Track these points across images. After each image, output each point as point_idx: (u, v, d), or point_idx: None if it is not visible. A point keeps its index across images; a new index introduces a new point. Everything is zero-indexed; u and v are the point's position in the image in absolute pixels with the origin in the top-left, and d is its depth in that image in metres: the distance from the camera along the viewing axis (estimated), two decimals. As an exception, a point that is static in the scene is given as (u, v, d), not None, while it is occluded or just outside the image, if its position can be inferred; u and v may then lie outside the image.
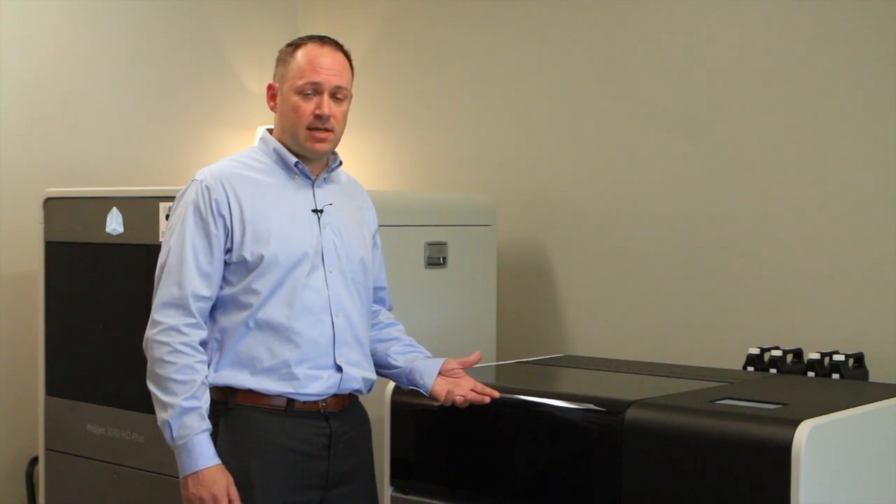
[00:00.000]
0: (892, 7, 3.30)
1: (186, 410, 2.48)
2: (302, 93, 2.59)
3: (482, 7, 4.27)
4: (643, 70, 3.82)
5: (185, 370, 2.50)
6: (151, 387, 2.53)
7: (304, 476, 2.58)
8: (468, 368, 2.76)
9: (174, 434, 2.49)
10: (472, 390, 2.67)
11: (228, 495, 2.49)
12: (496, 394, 2.68)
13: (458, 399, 2.65)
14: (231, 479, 2.51)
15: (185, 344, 2.51)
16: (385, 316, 2.87)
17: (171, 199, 2.68)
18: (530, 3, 4.13)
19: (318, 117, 2.58)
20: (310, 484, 2.59)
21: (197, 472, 2.49)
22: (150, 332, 2.53)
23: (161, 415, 2.51)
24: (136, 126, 4.37)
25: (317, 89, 2.59)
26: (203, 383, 2.52)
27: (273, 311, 2.55)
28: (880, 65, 3.32)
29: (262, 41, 4.64)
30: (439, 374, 2.70)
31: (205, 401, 2.52)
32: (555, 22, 4.05)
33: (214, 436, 2.57)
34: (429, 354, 2.79)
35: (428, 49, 4.46)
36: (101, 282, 3.61)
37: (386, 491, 2.92)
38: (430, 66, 4.44)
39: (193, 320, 2.53)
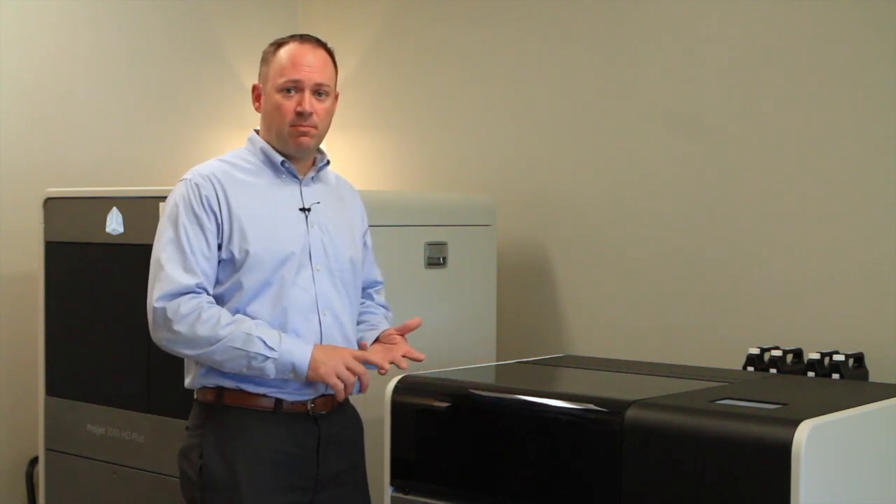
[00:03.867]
0: (892, 7, 3.30)
1: (255, 330, 2.48)
2: (283, 91, 2.60)
3: (482, 7, 4.27)
4: (643, 70, 3.82)
5: (225, 315, 2.50)
6: (216, 357, 2.48)
7: (293, 477, 2.57)
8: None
9: (273, 355, 2.47)
10: (403, 356, 2.64)
11: (348, 367, 2.52)
12: (421, 356, 2.65)
13: (384, 367, 2.62)
14: (340, 348, 2.57)
15: (210, 302, 2.52)
16: (369, 304, 2.86)
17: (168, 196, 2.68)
18: (530, 4, 4.12)
19: (299, 114, 2.58)
20: (298, 485, 2.58)
21: (308, 362, 2.50)
22: (170, 315, 2.47)
23: (248, 362, 2.48)
24: (136, 126, 4.37)
25: (298, 87, 2.60)
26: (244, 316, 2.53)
27: (260, 310, 2.55)
28: (880, 65, 3.32)
29: (262, 41, 4.55)
30: (377, 341, 2.70)
31: (255, 320, 2.52)
32: (555, 22, 4.05)
33: (201, 437, 2.57)
34: (383, 329, 2.77)
35: (428, 49, 4.46)
36: (101, 282, 3.61)
37: (386, 491, 2.92)
38: (430, 66, 4.44)
39: (206, 293, 2.53)
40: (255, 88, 2.69)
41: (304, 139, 2.61)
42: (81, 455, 3.64)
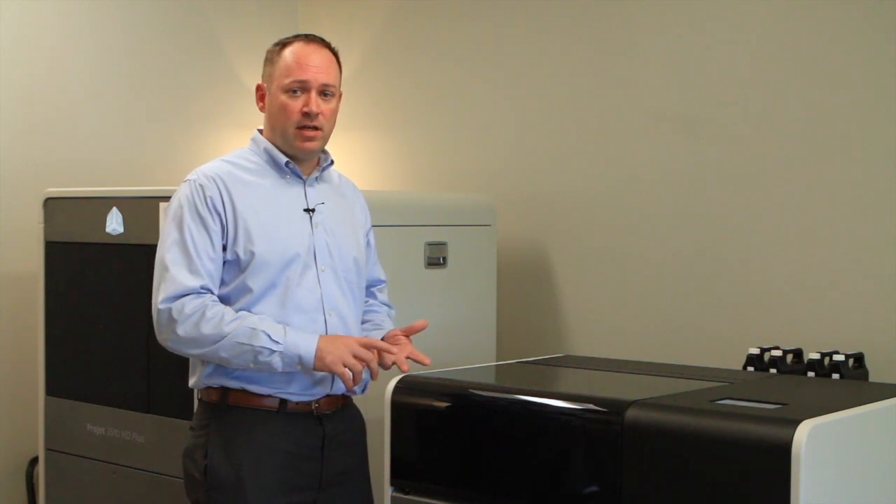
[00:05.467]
0: (892, 7, 3.30)
1: (259, 325, 2.48)
2: (289, 91, 2.59)
3: (483, 7, 4.27)
4: (643, 70, 3.82)
5: (229, 312, 2.49)
6: (221, 353, 2.47)
7: (297, 477, 2.58)
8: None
9: (278, 348, 2.47)
10: (408, 357, 2.62)
11: (354, 355, 2.51)
12: (427, 360, 2.63)
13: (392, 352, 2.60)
14: (345, 336, 2.56)
15: (214, 301, 2.52)
16: (372, 303, 2.85)
17: (170, 199, 2.67)
18: (531, 3, 4.12)
19: (305, 115, 2.58)
20: (303, 485, 2.58)
21: (315, 352, 2.49)
22: (175, 315, 2.47)
23: (254, 356, 2.47)
24: (136, 126, 4.37)
25: (304, 87, 2.59)
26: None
27: (266, 311, 2.54)
28: (880, 65, 3.32)
29: (262, 41, 4.56)
30: (382, 340, 2.69)
31: (259, 315, 2.52)
32: (555, 22, 4.05)
33: (206, 437, 2.57)
34: (388, 329, 2.77)
35: (428, 49, 4.46)
36: (101, 282, 3.61)
37: (386, 491, 2.92)
38: (431, 66, 4.44)
39: (211, 295, 2.53)
40: (258, 88, 2.68)
41: (310, 143, 2.61)
42: (81, 455, 3.64)
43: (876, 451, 2.56)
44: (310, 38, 2.65)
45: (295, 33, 2.73)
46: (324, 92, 2.61)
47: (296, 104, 2.59)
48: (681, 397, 2.69)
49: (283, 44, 2.65)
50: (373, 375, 2.58)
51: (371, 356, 2.55)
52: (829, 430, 2.34)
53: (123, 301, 3.51)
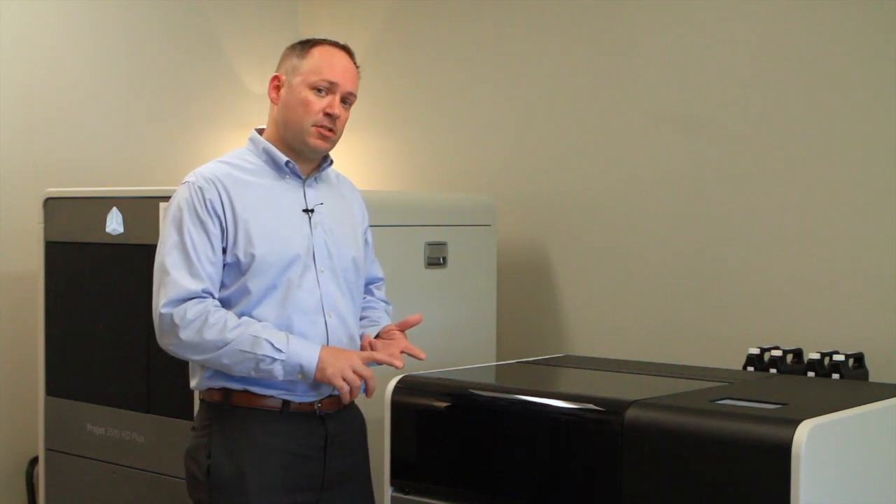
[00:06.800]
0: (892, 7, 3.30)
1: (262, 333, 2.48)
2: (315, 88, 2.59)
3: (483, 7, 4.27)
4: (644, 70, 3.82)
5: (231, 319, 2.49)
6: (223, 360, 2.47)
7: (300, 477, 2.57)
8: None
9: (280, 357, 2.47)
10: (402, 351, 2.62)
11: (354, 370, 2.52)
12: (421, 354, 2.63)
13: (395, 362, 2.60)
14: (347, 350, 2.57)
15: (216, 306, 2.51)
16: (370, 299, 2.86)
17: (170, 199, 2.67)
18: (531, 3, 4.13)
19: (328, 116, 2.58)
20: (305, 485, 2.58)
21: (316, 363, 2.50)
22: (177, 320, 2.46)
23: (256, 364, 2.47)
24: (136, 126, 4.37)
25: (331, 89, 2.60)
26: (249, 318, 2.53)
27: (266, 313, 2.54)
28: (880, 65, 3.32)
29: (262, 41, 4.65)
30: (377, 336, 2.69)
31: (262, 322, 2.52)
32: (555, 22, 4.05)
33: (209, 437, 2.57)
34: (383, 324, 2.77)
35: (428, 49, 4.46)
36: (101, 282, 3.61)
37: (386, 491, 2.92)
38: (431, 66, 4.45)
39: (212, 297, 2.53)
40: (275, 78, 2.66)
41: (323, 142, 2.61)
42: (81, 455, 3.64)
43: (876, 451, 2.56)
44: (341, 46, 2.67)
45: (298, 34, 2.76)
46: (345, 100, 2.62)
47: (319, 103, 2.59)
48: (681, 397, 2.70)
49: (313, 42, 2.65)
50: (368, 393, 2.59)
51: (370, 373, 2.56)
52: (829, 430, 2.34)
53: (123, 301, 3.51)
